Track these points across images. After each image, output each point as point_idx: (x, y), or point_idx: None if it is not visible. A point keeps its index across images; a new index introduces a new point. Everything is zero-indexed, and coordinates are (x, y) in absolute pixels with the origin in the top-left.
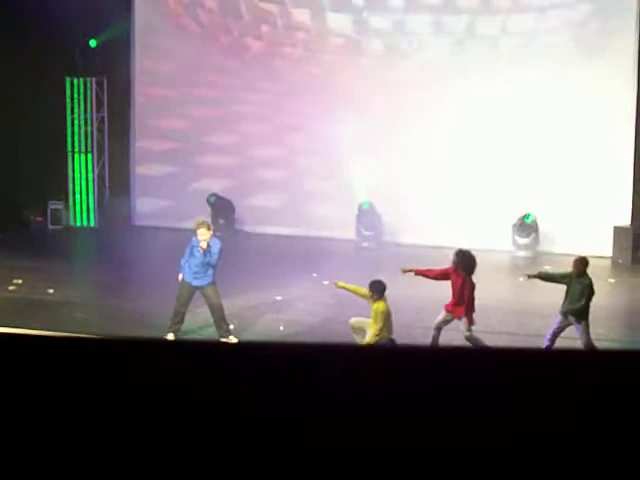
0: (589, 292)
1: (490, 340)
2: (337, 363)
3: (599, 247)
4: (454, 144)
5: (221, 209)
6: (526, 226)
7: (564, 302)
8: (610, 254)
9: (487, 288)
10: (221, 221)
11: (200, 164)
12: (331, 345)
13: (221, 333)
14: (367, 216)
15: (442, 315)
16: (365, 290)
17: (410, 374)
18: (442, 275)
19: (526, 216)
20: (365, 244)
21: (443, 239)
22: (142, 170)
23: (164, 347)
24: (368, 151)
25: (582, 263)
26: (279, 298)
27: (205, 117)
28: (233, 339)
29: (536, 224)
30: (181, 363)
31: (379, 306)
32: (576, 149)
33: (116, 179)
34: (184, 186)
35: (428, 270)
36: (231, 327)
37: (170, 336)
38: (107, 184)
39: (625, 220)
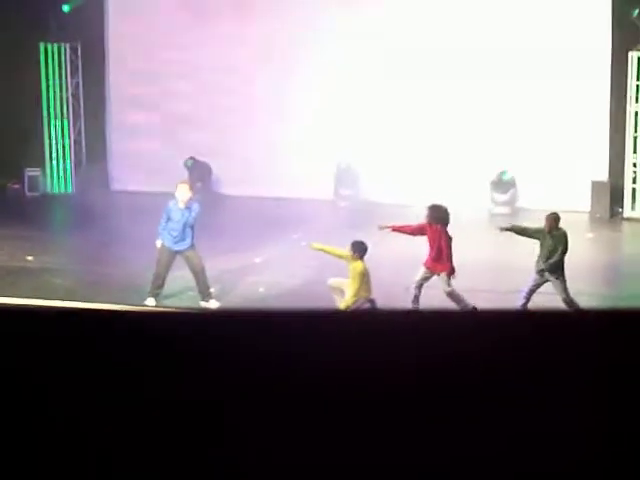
0: (563, 245)
1: (469, 297)
2: (322, 329)
3: (577, 202)
4: (431, 102)
5: (198, 172)
6: (504, 182)
7: (538, 259)
8: (588, 209)
9: (466, 245)
10: (198, 184)
11: (176, 128)
12: (316, 311)
13: (202, 297)
14: (345, 176)
15: (421, 272)
16: (341, 250)
17: (394, 338)
18: (418, 230)
19: (503, 172)
20: (343, 204)
21: (421, 197)
22: (118, 135)
23: (147, 316)
24: (345, 111)
25: (554, 219)
26: (258, 260)
27: (181, 82)
28: (214, 302)
29: (514, 180)
30: (163, 332)
31: (357, 266)
32: (553, 104)
33: (93, 144)
34: (161, 150)
35: (404, 226)
36: (212, 290)
37: (150, 300)
38: (84, 150)
39: (603, 175)
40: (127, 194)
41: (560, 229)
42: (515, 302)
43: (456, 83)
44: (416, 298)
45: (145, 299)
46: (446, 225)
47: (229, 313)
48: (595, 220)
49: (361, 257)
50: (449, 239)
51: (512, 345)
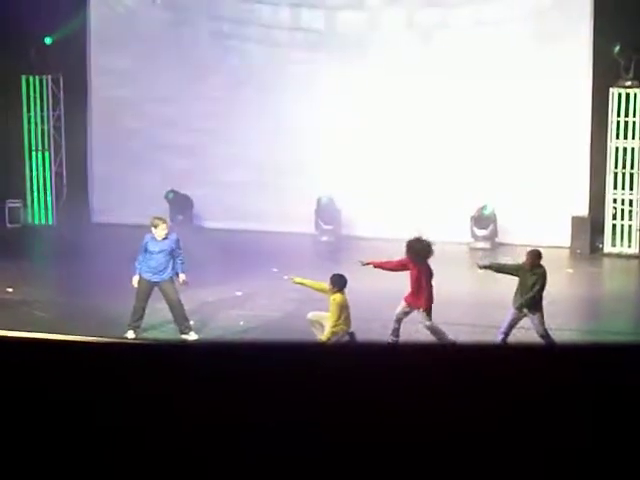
0: (542, 282)
1: (451, 332)
2: (301, 361)
3: (557, 237)
4: (412, 137)
5: (179, 205)
6: (484, 217)
7: (516, 295)
8: (568, 244)
9: (447, 280)
10: (179, 217)
11: (157, 160)
12: (296, 343)
13: (181, 329)
14: (326, 210)
15: (401, 306)
16: (322, 284)
17: (372, 371)
18: (399, 266)
19: (484, 207)
20: (324, 238)
21: (402, 232)
22: (100, 167)
23: (128, 349)
24: (327, 145)
25: (536, 255)
26: (239, 293)
27: (162, 113)
28: (193, 335)
29: (494, 215)
30: (143, 364)
31: (336, 298)
32: (533, 140)
33: (74, 177)
34: (142, 183)
35: (385, 262)
36: (191, 323)
37: (130, 333)
38: (65, 182)
39: (583, 210)
40: (108, 226)
41: (541, 266)
42: (495, 337)
43: (436, 118)
44: (395, 331)
45: (125, 332)
46: (426, 259)
47: (208, 345)
48: (575, 255)
49: (340, 290)
50: (430, 274)
51: (492, 378)
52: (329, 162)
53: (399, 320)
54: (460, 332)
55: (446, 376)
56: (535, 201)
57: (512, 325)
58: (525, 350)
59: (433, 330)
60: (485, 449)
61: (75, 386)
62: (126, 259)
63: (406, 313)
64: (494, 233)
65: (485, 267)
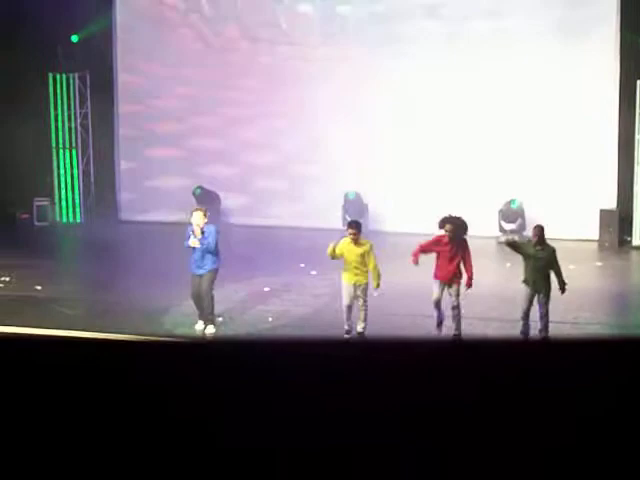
0: (556, 258)
1: (479, 326)
2: (330, 357)
3: (586, 230)
4: (439, 131)
5: (207, 201)
6: (512, 211)
7: (531, 276)
8: (597, 237)
9: (475, 274)
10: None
11: (185, 157)
12: (325, 339)
13: (204, 322)
14: (353, 205)
15: (437, 289)
16: (339, 246)
17: (408, 366)
18: (436, 245)
19: (512, 201)
20: None
21: (429, 227)
22: (127, 165)
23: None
24: (354, 142)
25: (539, 229)
26: (267, 289)
27: (190, 113)
28: (199, 325)
29: (522, 209)
30: (171, 359)
31: (367, 243)
32: (561, 133)
33: (101, 174)
34: (169, 179)
35: (424, 246)
36: (220, 319)
37: (199, 324)
38: (92, 179)
39: (611, 203)
40: (135, 224)
41: (548, 244)
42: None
43: (464, 113)
44: (440, 321)
45: (155, 329)
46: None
47: (237, 340)
48: (604, 248)
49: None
50: (469, 249)
51: (521, 370)
52: (356, 157)
53: (439, 304)
54: (488, 327)
55: (463, 370)
56: (563, 194)
57: (530, 305)
58: (553, 344)
59: (456, 311)
60: (502, 440)
61: (105, 381)
62: (153, 256)
63: (442, 293)
64: (522, 227)
65: (508, 244)
